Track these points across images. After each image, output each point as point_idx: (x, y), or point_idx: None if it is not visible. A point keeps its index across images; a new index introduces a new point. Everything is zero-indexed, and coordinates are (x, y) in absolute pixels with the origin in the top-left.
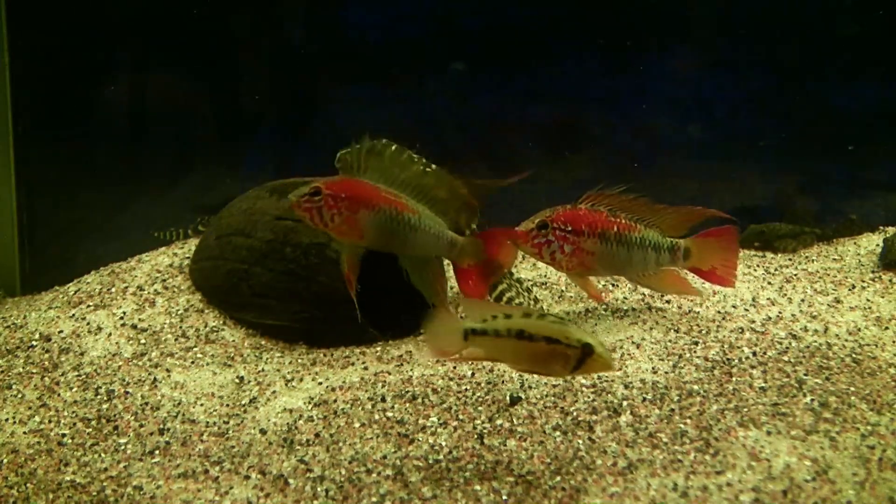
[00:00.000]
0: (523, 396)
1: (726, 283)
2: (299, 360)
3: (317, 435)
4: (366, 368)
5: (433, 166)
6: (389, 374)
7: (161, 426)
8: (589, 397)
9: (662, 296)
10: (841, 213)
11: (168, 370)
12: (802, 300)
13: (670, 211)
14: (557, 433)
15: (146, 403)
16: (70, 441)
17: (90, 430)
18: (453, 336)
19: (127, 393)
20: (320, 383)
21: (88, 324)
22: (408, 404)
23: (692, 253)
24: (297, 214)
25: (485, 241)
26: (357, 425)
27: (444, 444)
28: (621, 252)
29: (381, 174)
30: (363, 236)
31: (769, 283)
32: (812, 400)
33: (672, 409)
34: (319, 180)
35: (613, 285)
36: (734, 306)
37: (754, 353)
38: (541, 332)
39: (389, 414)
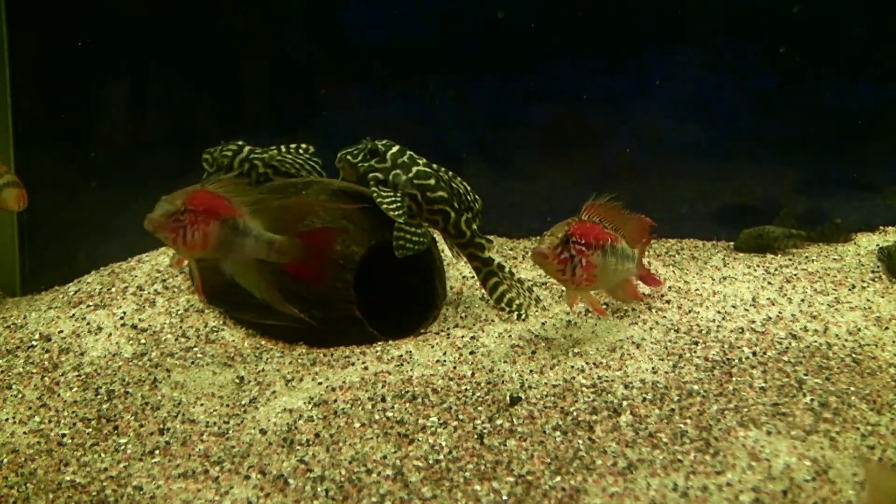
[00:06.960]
0: (523, 396)
1: (656, 283)
2: (299, 360)
3: (317, 435)
4: (366, 368)
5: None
6: (389, 374)
7: (161, 426)
8: (589, 397)
9: (662, 295)
10: (841, 213)
11: (168, 370)
12: (802, 300)
13: (633, 219)
14: (557, 433)
15: (146, 403)
16: (70, 441)
17: (90, 430)
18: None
19: (127, 393)
20: (320, 383)
21: (88, 324)
22: (408, 404)
23: (638, 261)
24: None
25: (303, 239)
26: (357, 425)
27: (444, 444)
28: (611, 264)
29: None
30: (206, 248)
31: (769, 283)
32: (812, 400)
33: (672, 409)
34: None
35: None
36: (734, 306)
37: (754, 353)
38: None
39: (389, 414)
